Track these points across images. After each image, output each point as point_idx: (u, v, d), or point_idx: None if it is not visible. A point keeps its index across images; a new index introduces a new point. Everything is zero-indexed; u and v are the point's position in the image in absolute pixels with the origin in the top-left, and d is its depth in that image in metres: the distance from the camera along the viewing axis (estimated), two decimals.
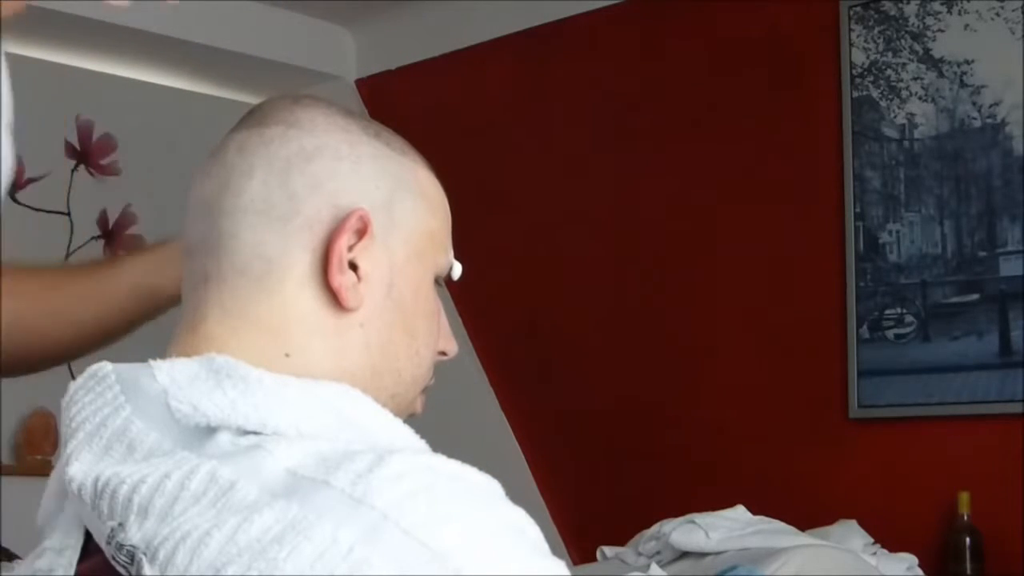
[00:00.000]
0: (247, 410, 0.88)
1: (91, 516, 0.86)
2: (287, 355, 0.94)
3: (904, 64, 3.33)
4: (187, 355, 0.93)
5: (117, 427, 0.89)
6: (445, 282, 1.04)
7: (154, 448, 0.87)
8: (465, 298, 3.94)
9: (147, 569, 0.80)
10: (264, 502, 0.81)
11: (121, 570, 0.83)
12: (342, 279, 0.95)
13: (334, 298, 0.95)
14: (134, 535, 0.82)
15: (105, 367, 0.94)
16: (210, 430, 0.88)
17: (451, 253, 1.04)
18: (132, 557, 0.82)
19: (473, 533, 0.81)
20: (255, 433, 0.88)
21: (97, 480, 0.86)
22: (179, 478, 0.83)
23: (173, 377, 0.90)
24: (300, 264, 0.95)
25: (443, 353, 1.04)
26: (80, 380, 0.94)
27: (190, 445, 0.87)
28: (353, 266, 0.96)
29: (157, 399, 0.89)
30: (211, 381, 0.90)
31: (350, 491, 0.81)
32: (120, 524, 0.83)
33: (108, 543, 0.84)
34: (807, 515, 2.84)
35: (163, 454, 0.87)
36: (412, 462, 0.83)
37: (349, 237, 0.95)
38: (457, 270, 1.03)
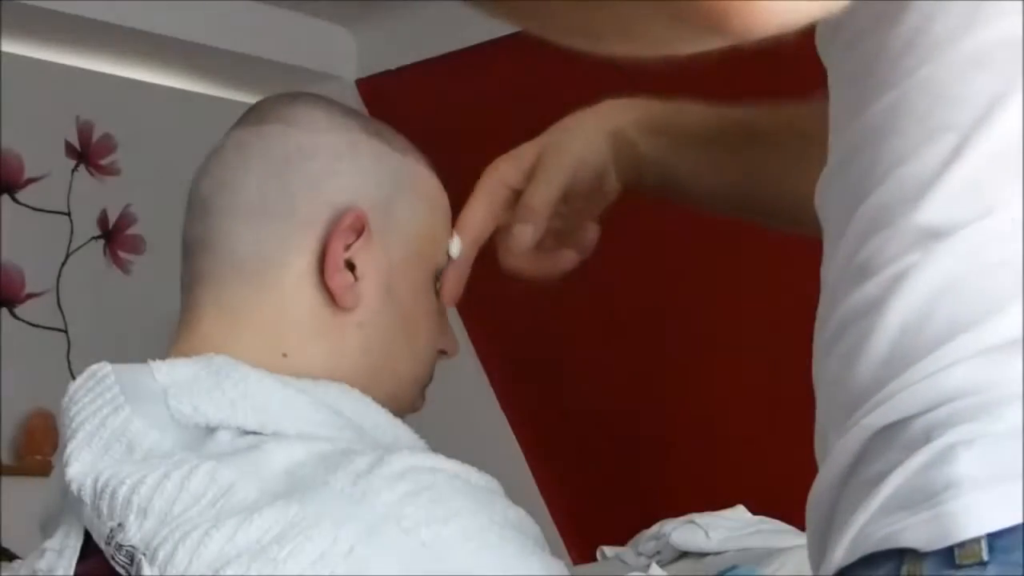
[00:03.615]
0: (246, 410, 0.88)
1: (91, 516, 0.86)
2: (285, 355, 0.94)
3: None
4: (186, 355, 0.93)
5: (116, 427, 0.89)
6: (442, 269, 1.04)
7: (153, 448, 0.87)
8: (465, 298, 3.93)
9: (146, 569, 0.80)
10: (264, 502, 0.81)
11: (120, 570, 0.82)
12: (339, 279, 0.95)
13: (332, 298, 0.95)
14: (133, 535, 0.82)
15: (104, 367, 0.93)
16: (210, 430, 0.88)
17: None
18: (131, 557, 0.82)
19: (473, 533, 0.81)
20: (255, 433, 0.88)
21: (97, 480, 0.86)
22: (179, 478, 0.83)
23: (173, 377, 0.90)
24: (297, 263, 0.95)
25: (444, 352, 1.04)
26: (80, 380, 0.94)
27: (189, 445, 0.87)
28: (351, 266, 0.95)
29: (157, 399, 0.89)
30: (211, 381, 0.90)
31: (350, 491, 0.80)
32: (119, 524, 0.83)
33: (107, 543, 0.84)
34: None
35: (162, 454, 0.86)
36: (412, 462, 0.83)
37: (346, 236, 0.95)
38: (456, 247, 1.03)
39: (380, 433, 0.92)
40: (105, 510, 0.84)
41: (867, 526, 0.65)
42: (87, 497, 0.86)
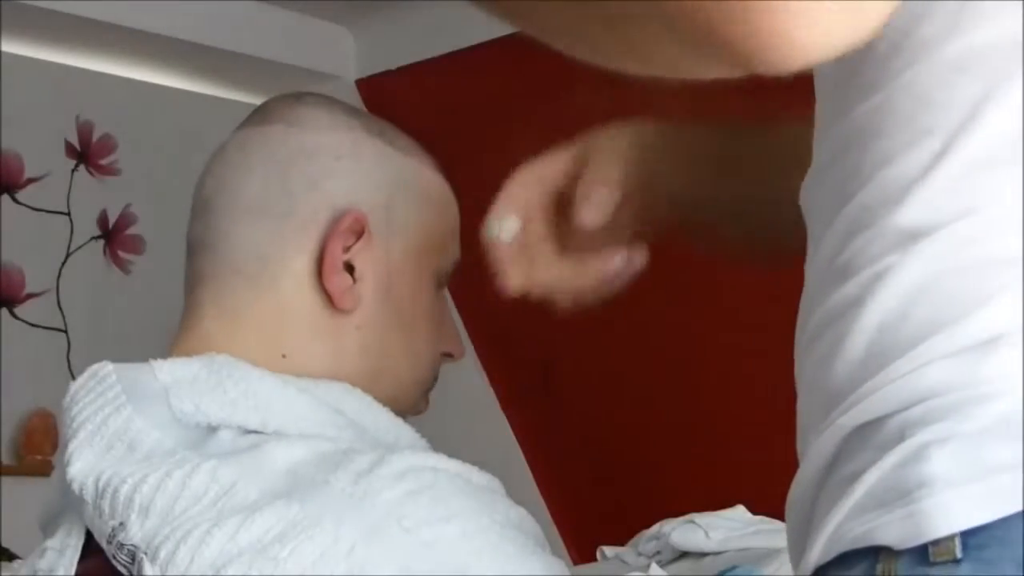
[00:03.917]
0: (248, 410, 0.88)
1: (92, 516, 0.86)
2: (284, 355, 0.94)
3: None
4: (187, 354, 0.93)
5: (118, 426, 0.89)
6: (448, 284, 1.04)
7: (155, 448, 0.87)
8: (466, 298, 3.94)
9: (148, 568, 0.80)
10: (265, 502, 0.81)
11: (122, 569, 0.82)
12: (337, 281, 0.94)
13: (331, 300, 0.94)
14: (135, 534, 0.82)
15: (106, 367, 0.93)
16: (211, 429, 0.88)
17: (456, 254, 1.03)
18: (133, 557, 0.81)
19: (473, 533, 0.81)
20: (256, 432, 0.88)
21: (98, 479, 0.86)
22: (180, 477, 0.83)
23: (174, 376, 0.90)
24: (297, 264, 0.95)
25: (449, 355, 1.03)
26: (81, 380, 0.94)
27: (191, 444, 0.87)
28: (350, 268, 0.95)
29: (158, 398, 0.89)
30: (212, 380, 0.89)
31: (351, 490, 0.80)
32: (121, 524, 0.83)
33: (109, 542, 0.84)
34: None
35: (164, 454, 0.86)
36: (413, 461, 0.83)
37: (345, 238, 0.95)
38: (511, 226, 0.94)
39: (382, 433, 0.92)
40: (107, 509, 0.84)
41: (842, 525, 0.65)
42: (88, 496, 0.86)
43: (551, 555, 0.84)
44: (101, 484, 0.85)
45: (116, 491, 0.84)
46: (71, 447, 0.89)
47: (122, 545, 0.82)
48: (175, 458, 0.85)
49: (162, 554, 0.80)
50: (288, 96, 1.01)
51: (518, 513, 0.85)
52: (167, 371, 0.91)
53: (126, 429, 0.88)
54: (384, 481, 0.81)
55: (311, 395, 0.91)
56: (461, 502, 0.82)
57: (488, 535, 0.81)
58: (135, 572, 0.81)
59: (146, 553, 0.81)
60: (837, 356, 0.69)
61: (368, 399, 0.93)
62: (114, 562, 0.83)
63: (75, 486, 0.87)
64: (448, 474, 0.84)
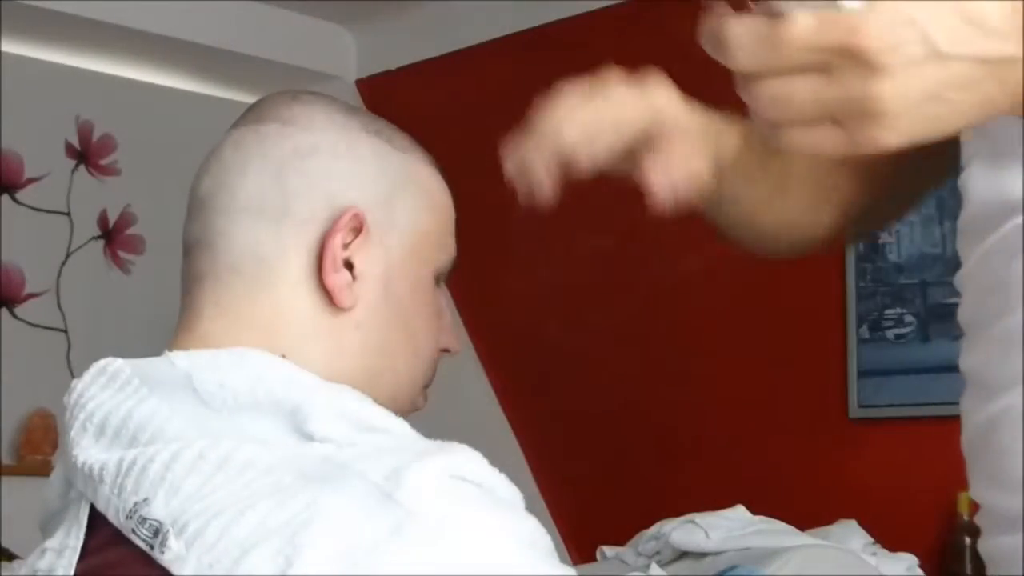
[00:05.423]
0: (273, 383, 0.89)
1: (109, 496, 0.86)
2: (284, 355, 0.94)
3: None
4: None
5: (144, 416, 0.89)
6: (445, 281, 1.04)
7: (180, 435, 0.87)
8: (466, 298, 3.94)
9: (172, 541, 0.80)
10: (298, 487, 0.81)
11: (140, 544, 0.82)
12: (336, 278, 0.94)
13: (330, 298, 0.95)
14: (159, 510, 0.83)
15: (116, 362, 0.93)
16: (240, 411, 0.88)
17: (453, 251, 1.03)
18: (156, 531, 0.82)
19: (491, 540, 0.82)
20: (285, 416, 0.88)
21: (121, 461, 0.86)
22: (215, 458, 0.83)
23: (193, 361, 0.90)
24: (295, 263, 0.95)
25: (446, 350, 1.04)
26: (89, 376, 0.93)
27: (221, 429, 0.87)
28: (349, 265, 0.95)
29: (180, 385, 0.89)
30: (232, 360, 0.90)
31: (382, 485, 0.81)
32: (145, 499, 0.83)
33: (129, 518, 0.84)
34: (807, 515, 2.84)
35: (193, 438, 0.86)
36: (446, 465, 0.84)
37: (344, 235, 0.95)
38: None
39: (391, 435, 0.93)
40: (129, 487, 0.84)
41: None
42: (108, 477, 0.86)
43: (560, 564, 0.85)
44: (125, 464, 0.86)
45: (144, 469, 0.84)
46: (87, 441, 0.89)
47: (144, 519, 0.83)
48: (208, 438, 0.85)
49: (190, 529, 0.81)
50: (283, 94, 1.01)
51: (532, 525, 0.86)
52: (184, 356, 0.91)
53: (152, 417, 0.88)
54: (415, 482, 0.82)
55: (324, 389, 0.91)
56: (482, 511, 0.83)
57: (503, 543, 0.82)
58: (156, 545, 0.81)
59: (172, 527, 0.81)
60: None
61: (367, 400, 0.93)
62: (132, 536, 0.83)
63: (95, 469, 0.87)
64: (475, 482, 0.85)
